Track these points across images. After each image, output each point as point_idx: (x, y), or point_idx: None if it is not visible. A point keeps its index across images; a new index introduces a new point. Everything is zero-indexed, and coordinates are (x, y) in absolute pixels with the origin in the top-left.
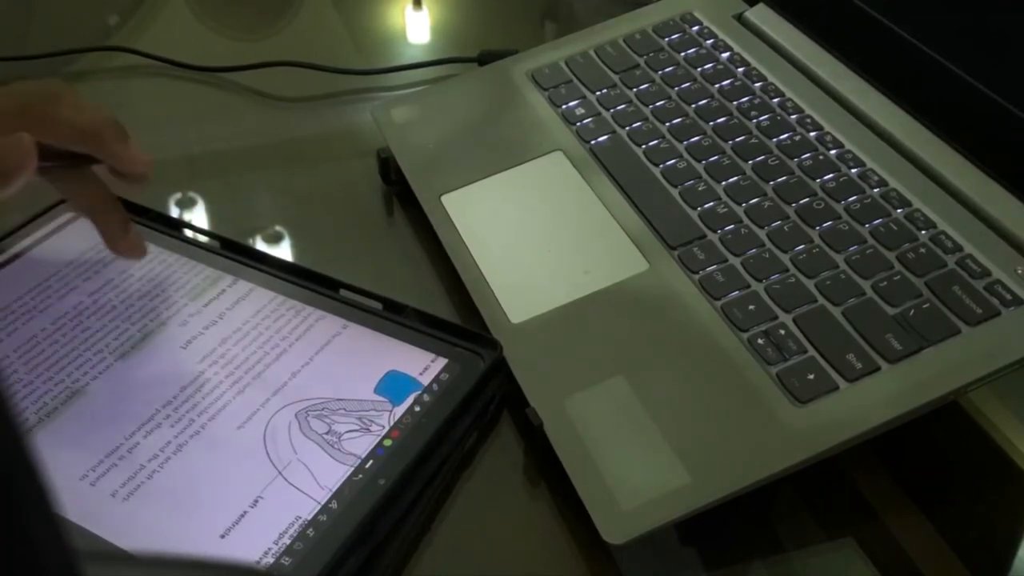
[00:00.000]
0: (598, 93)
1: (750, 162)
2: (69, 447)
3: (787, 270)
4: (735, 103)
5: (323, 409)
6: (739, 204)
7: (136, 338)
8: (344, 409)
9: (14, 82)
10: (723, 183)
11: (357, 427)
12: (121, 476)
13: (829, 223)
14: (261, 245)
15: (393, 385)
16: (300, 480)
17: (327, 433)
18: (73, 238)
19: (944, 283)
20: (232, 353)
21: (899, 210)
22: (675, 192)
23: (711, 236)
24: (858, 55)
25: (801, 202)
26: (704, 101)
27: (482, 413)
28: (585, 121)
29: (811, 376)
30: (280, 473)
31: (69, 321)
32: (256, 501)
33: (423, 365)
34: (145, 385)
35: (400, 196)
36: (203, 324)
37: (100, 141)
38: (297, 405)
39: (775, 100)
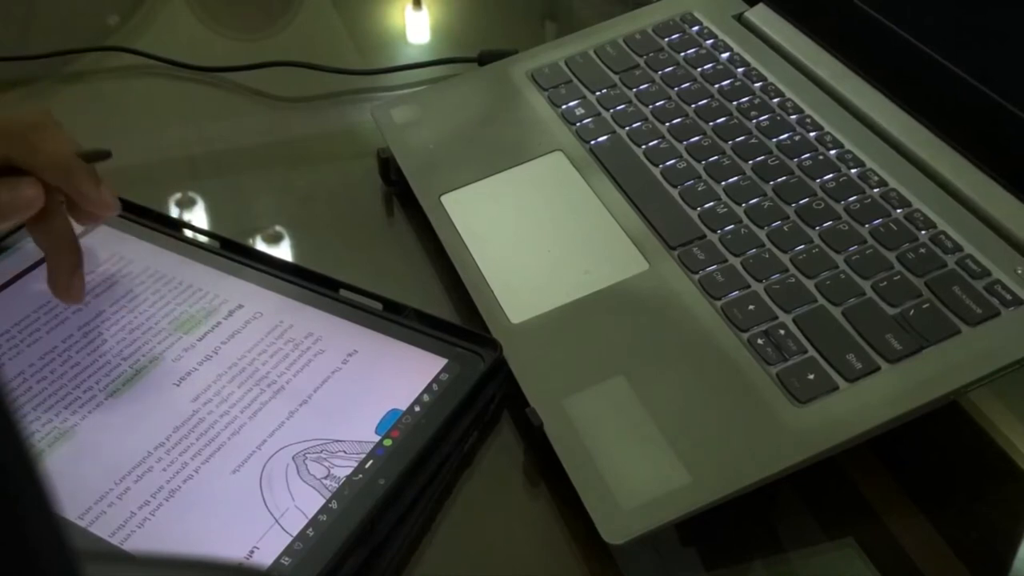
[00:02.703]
0: (598, 93)
1: (750, 162)
2: (56, 492)
3: (787, 270)
4: (735, 103)
5: (322, 451)
6: (739, 204)
7: (128, 375)
8: (344, 451)
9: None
10: (723, 183)
11: (357, 471)
12: (111, 524)
13: (829, 223)
14: (261, 245)
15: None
16: (297, 528)
17: (326, 478)
18: None
19: (944, 283)
20: (227, 391)
21: (899, 210)
22: (675, 192)
23: (711, 236)
24: (858, 55)
25: (801, 202)
26: (704, 101)
27: (482, 413)
28: (585, 121)
29: (811, 376)
30: (277, 521)
31: (58, 356)
32: (252, 552)
33: (417, 391)
34: (136, 426)
35: (400, 196)
36: (197, 360)
37: (72, 177)
38: (295, 447)
39: (775, 100)
